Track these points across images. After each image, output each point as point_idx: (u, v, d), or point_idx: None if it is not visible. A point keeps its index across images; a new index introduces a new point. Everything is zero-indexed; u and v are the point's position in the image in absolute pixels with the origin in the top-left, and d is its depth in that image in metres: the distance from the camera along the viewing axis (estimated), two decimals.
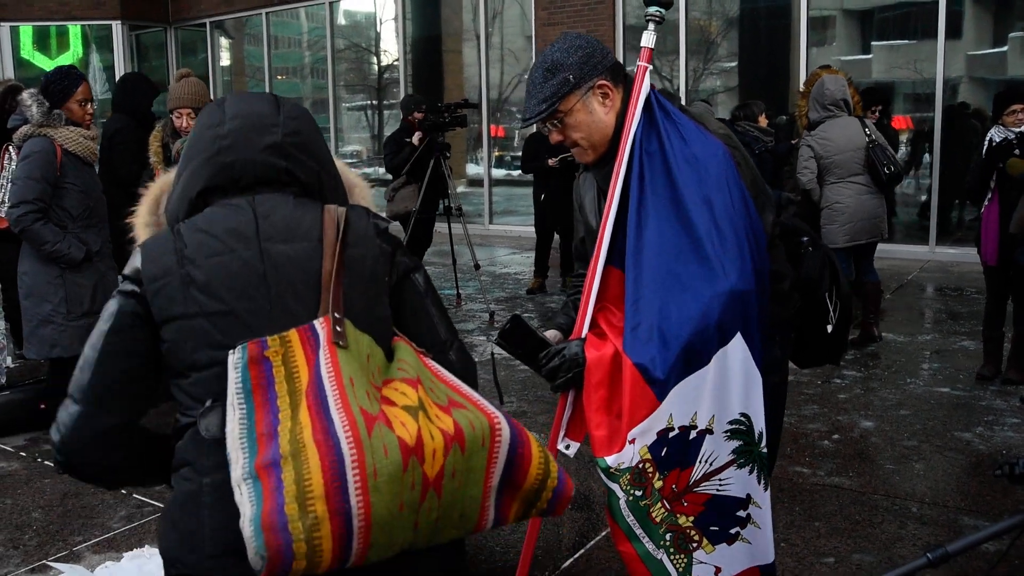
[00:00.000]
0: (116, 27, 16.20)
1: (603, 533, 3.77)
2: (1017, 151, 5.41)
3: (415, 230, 8.06)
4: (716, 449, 2.23)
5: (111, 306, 1.78)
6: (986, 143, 5.61)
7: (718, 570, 2.30)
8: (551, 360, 2.32)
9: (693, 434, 2.21)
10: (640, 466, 2.22)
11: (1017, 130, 5.49)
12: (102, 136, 4.63)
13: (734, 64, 12.52)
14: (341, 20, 15.68)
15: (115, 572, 3.53)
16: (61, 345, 4.34)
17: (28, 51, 16.40)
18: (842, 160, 6.31)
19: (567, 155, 8.29)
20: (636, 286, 2.22)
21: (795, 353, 2.72)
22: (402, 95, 14.44)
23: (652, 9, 2.36)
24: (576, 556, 3.60)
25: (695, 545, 2.29)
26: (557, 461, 1.79)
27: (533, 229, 9.04)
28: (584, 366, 2.27)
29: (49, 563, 3.62)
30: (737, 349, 2.19)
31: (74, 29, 16.53)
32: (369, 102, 16.27)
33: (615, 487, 2.24)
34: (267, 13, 15.83)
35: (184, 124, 4.78)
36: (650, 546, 2.27)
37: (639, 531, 2.27)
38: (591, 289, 2.34)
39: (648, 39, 2.35)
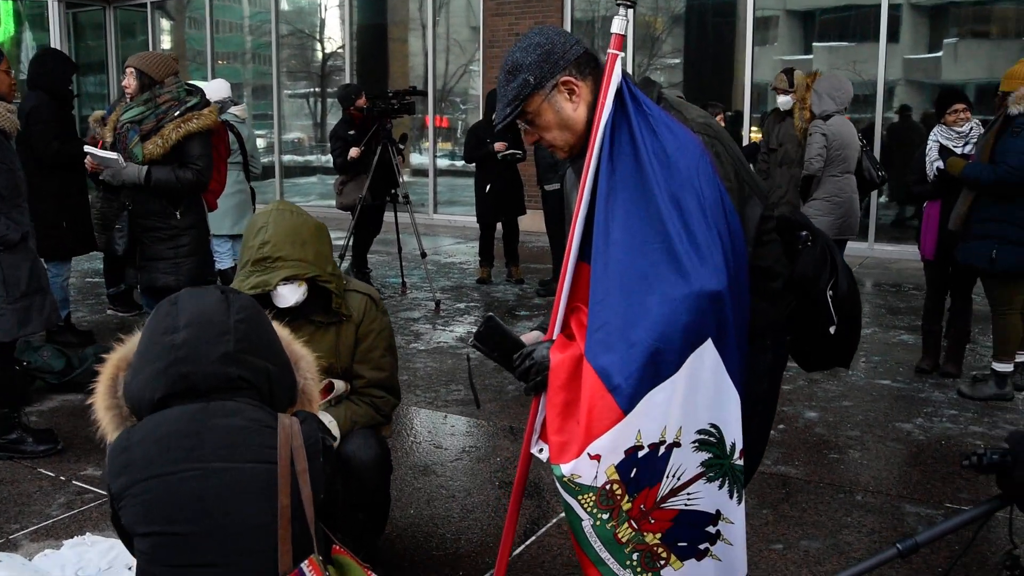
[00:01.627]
0: (52, 4, 15.74)
1: (554, 520, 3.76)
2: (957, 150, 5.53)
3: (363, 217, 7.99)
4: (684, 462, 2.12)
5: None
6: (929, 142, 5.72)
7: None
8: (523, 362, 2.27)
9: (662, 450, 2.09)
10: (607, 487, 2.11)
11: (958, 129, 5.62)
12: (18, 114, 4.45)
13: (679, 61, 12.61)
14: (284, 5, 15.44)
15: (54, 560, 3.42)
16: (2, 329, 4.18)
17: None
18: (846, 155, 6.41)
19: (515, 152, 8.27)
20: (602, 285, 2.11)
21: (799, 356, 2.59)
22: (347, 82, 14.30)
23: None
24: (528, 543, 3.59)
25: (663, 562, 2.19)
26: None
27: (474, 219, 9.01)
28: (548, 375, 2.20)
29: None
30: (708, 355, 2.05)
31: (6, 5, 16.06)
32: (312, 89, 16.06)
33: (574, 504, 2.13)
34: None
35: (125, 82, 4.66)
36: (615, 567, 2.18)
37: (605, 555, 2.17)
38: (563, 288, 2.26)
39: (619, 25, 2.24)
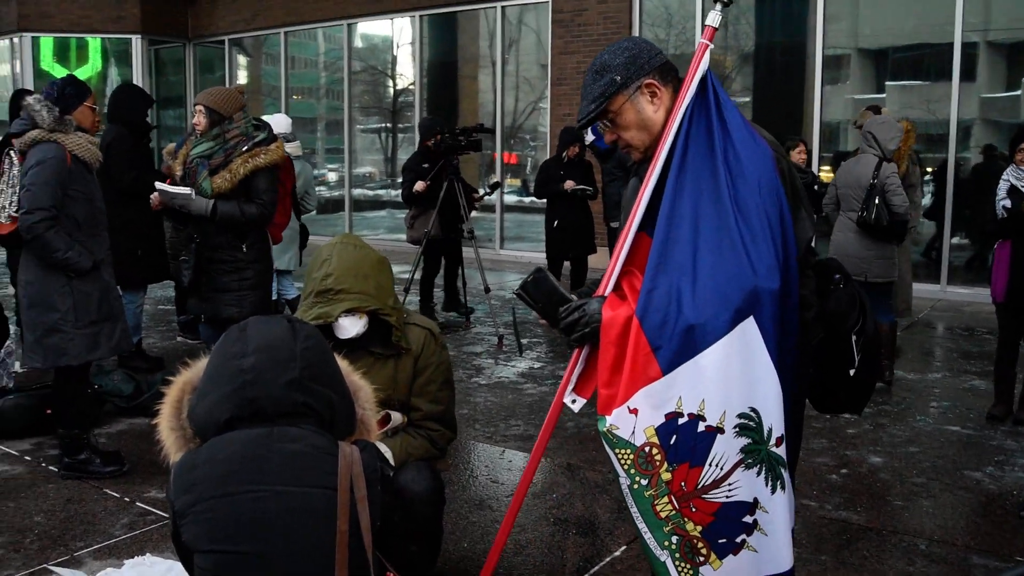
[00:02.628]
0: (135, 41, 16.35)
1: (607, 559, 3.73)
2: None
3: (430, 251, 8.12)
4: (727, 450, 2.17)
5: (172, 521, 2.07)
6: (1001, 182, 5.61)
7: None
8: (571, 314, 2.34)
9: (701, 427, 2.15)
10: (646, 449, 2.19)
11: None
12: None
13: (748, 99, 12.56)
14: (358, 42, 15.79)
15: None
16: (70, 353, 4.31)
17: (48, 62, 16.54)
18: (844, 195, 6.43)
19: (585, 188, 8.33)
20: (661, 251, 2.20)
21: (814, 395, 2.60)
22: (417, 118, 14.53)
23: None
24: None
25: (702, 559, 2.22)
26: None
27: (543, 255, 9.05)
28: (601, 323, 2.26)
29: (49, 567, 3.59)
30: (751, 335, 2.13)
31: (94, 43, 16.69)
32: (384, 124, 16.35)
33: (613, 458, 2.22)
34: (285, 32, 15.96)
35: (196, 120, 4.79)
36: (652, 543, 2.23)
37: (642, 526, 2.23)
38: (620, 251, 2.33)
39: (713, 18, 2.38)
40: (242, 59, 17.49)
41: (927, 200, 10.61)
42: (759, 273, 2.13)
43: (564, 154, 8.54)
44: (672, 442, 2.17)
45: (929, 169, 10.80)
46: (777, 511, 2.22)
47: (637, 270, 2.30)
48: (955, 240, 10.45)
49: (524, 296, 2.43)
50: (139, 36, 16.32)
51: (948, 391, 6.42)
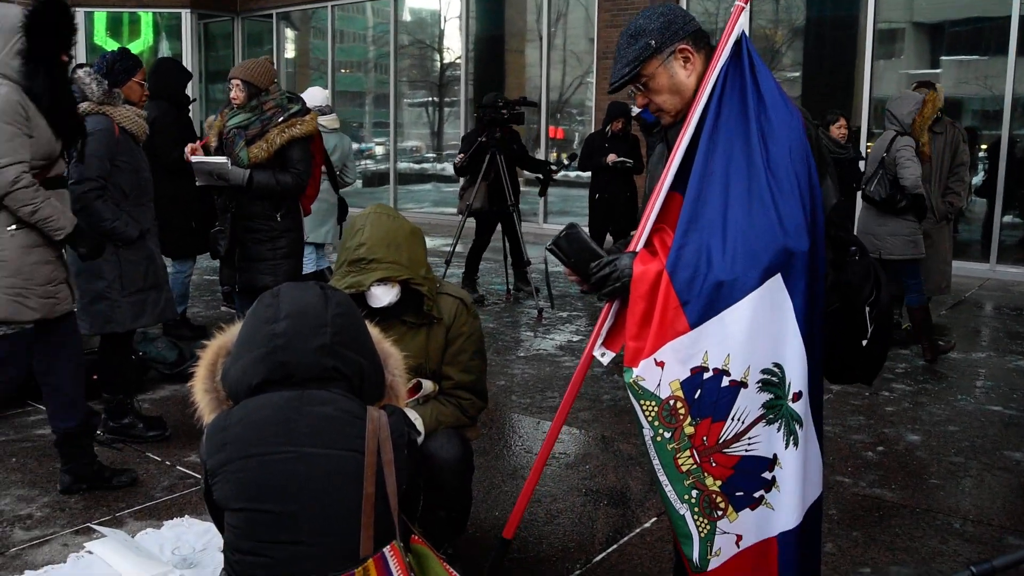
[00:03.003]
0: (185, 16, 16.52)
1: (637, 530, 3.76)
2: None
3: (488, 223, 8.29)
4: (748, 404, 2.20)
5: (203, 479, 2.15)
6: None
7: (739, 538, 2.28)
8: (602, 269, 2.35)
9: (726, 381, 2.19)
10: (671, 402, 2.22)
11: None
12: None
13: (798, 74, 12.36)
14: (406, 16, 15.81)
15: (154, 538, 3.61)
16: (116, 320, 4.41)
17: (101, 37, 16.78)
18: (867, 172, 6.49)
19: (626, 160, 8.29)
20: (693, 209, 2.23)
21: (828, 366, 2.56)
22: (463, 93, 14.53)
23: None
24: (608, 551, 3.59)
25: (720, 512, 2.26)
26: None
27: (585, 229, 9.01)
28: (631, 278, 2.29)
29: (93, 526, 3.70)
30: (777, 292, 2.16)
31: (145, 17, 16.88)
32: (430, 99, 16.37)
33: (638, 409, 2.25)
34: (333, 6, 16.00)
35: (233, 94, 4.86)
36: (672, 496, 2.27)
37: (663, 478, 2.27)
38: (652, 208, 2.36)
39: None
40: (290, 33, 17.59)
41: (978, 179, 10.39)
42: (788, 232, 2.15)
43: (608, 128, 8.50)
44: (696, 396, 2.21)
45: (984, 147, 10.57)
46: (792, 467, 2.24)
47: (668, 227, 2.32)
48: (1006, 219, 10.23)
49: (556, 251, 2.46)
50: (188, 10, 16.46)
51: (993, 371, 6.32)
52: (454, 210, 14.91)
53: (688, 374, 2.21)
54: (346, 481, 1.98)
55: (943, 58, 11.28)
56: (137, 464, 4.38)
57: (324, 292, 2.19)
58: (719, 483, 2.25)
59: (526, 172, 9.31)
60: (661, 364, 2.21)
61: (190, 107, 6.87)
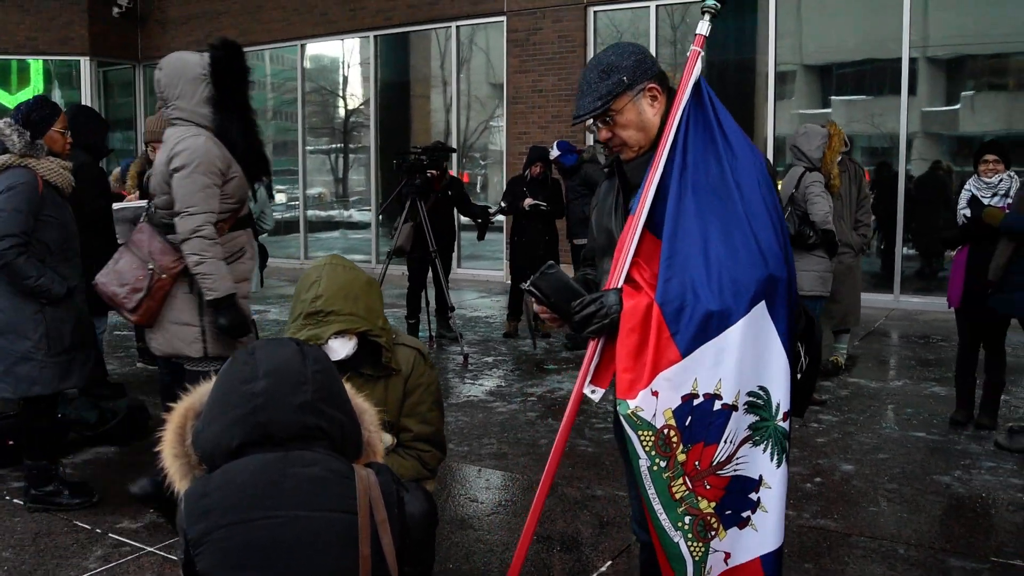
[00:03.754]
0: (84, 63, 16.08)
1: (595, 574, 3.73)
2: (985, 200, 5.54)
3: (415, 266, 8.34)
4: (737, 427, 2.28)
5: (180, 551, 2.04)
6: (963, 191, 5.75)
7: (727, 556, 2.34)
8: (586, 307, 2.36)
9: (718, 405, 2.25)
10: (665, 432, 2.26)
11: (987, 180, 5.63)
12: None
13: None
14: (310, 64, 15.72)
15: None
16: (41, 383, 4.20)
17: None
18: None
19: (540, 203, 8.36)
20: (671, 246, 2.29)
21: None
22: (372, 139, 14.48)
23: (709, 2, 2.49)
24: None
25: (713, 533, 2.32)
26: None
27: (500, 273, 9.05)
28: (620, 313, 2.31)
29: None
30: (760, 317, 2.25)
31: (35, 64, 16.36)
32: (334, 145, 16.29)
33: (635, 440, 2.26)
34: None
35: (158, 157, 4.72)
36: (666, 523, 2.30)
37: (658, 507, 2.29)
38: (628, 245, 2.38)
39: (703, 28, 2.50)
40: None
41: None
42: (768, 261, 2.25)
43: (527, 172, 8.58)
44: (687, 423, 2.27)
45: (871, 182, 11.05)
46: (778, 486, 2.32)
47: (643, 262, 2.37)
48: (906, 251, 10.69)
49: (534, 291, 2.47)
50: (88, 58, 16.04)
51: (910, 398, 6.54)
52: (363, 257, 14.85)
53: (679, 402, 2.26)
54: (339, 544, 1.91)
55: (833, 98, 11.78)
56: (65, 533, 4.16)
57: (300, 348, 2.12)
58: (713, 505, 2.31)
59: (463, 218, 9.29)
60: (656, 394, 2.25)
61: (105, 157, 6.66)
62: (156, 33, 16.70)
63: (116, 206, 4.75)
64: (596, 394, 2.43)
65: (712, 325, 2.22)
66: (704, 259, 2.25)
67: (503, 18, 12.69)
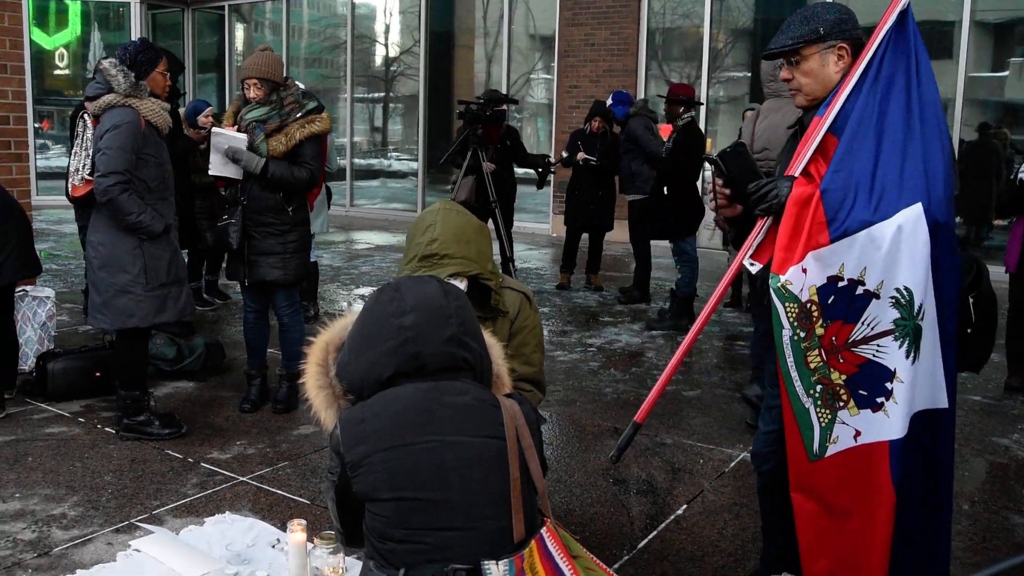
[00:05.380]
0: (134, 5, 16.16)
1: (672, 517, 3.87)
2: None
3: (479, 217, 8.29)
4: (880, 315, 2.45)
5: (332, 473, 2.16)
6: (1018, 166, 5.76)
7: (858, 433, 2.52)
8: (762, 188, 2.61)
9: (860, 290, 2.44)
10: (808, 306, 2.50)
11: None
12: None
13: (746, 74, 12.65)
14: (360, 11, 15.71)
15: (199, 535, 3.59)
16: (138, 315, 4.37)
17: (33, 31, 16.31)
18: None
19: (588, 157, 8.39)
20: (849, 145, 2.49)
21: None
22: (420, 89, 14.50)
23: None
24: (649, 537, 3.70)
25: (842, 404, 2.52)
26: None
27: (545, 226, 9.08)
28: (788, 197, 2.53)
29: (136, 523, 3.68)
30: (917, 224, 2.39)
31: (74, 6, 16.42)
32: (378, 94, 16.34)
33: (781, 311, 2.53)
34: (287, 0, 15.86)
35: (252, 94, 4.80)
36: (799, 389, 2.56)
37: (793, 373, 2.55)
38: (812, 140, 2.58)
39: None
40: (240, 26, 17.34)
41: None
42: (931, 194, 2.42)
43: (587, 126, 8.62)
44: (829, 302, 2.48)
45: None
46: (908, 381, 2.47)
47: (823, 160, 2.55)
48: (956, 220, 10.63)
49: (719, 162, 2.72)
50: (137, 0, 16.12)
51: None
52: (407, 205, 14.96)
53: (824, 281, 2.47)
54: (492, 467, 2.04)
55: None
56: (160, 462, 4.35)
57: (442, 284, 2.24)
58: (844, 377, 2.51)
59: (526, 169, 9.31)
60: (805, 271, 2.49)
61: (180, 99, 6.77)
62: None
63: (215, 130, 4.83)
64: (754, 267, 2.67)
65: (865, 219, 2.42)
66: (873, 164, 2.44)
67: None
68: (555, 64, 12.86)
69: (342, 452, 2.07)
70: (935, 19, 10.62)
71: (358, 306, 3.47)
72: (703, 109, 11.24)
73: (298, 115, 4.80)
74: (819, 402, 2.54)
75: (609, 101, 8.40)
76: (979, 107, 10.96)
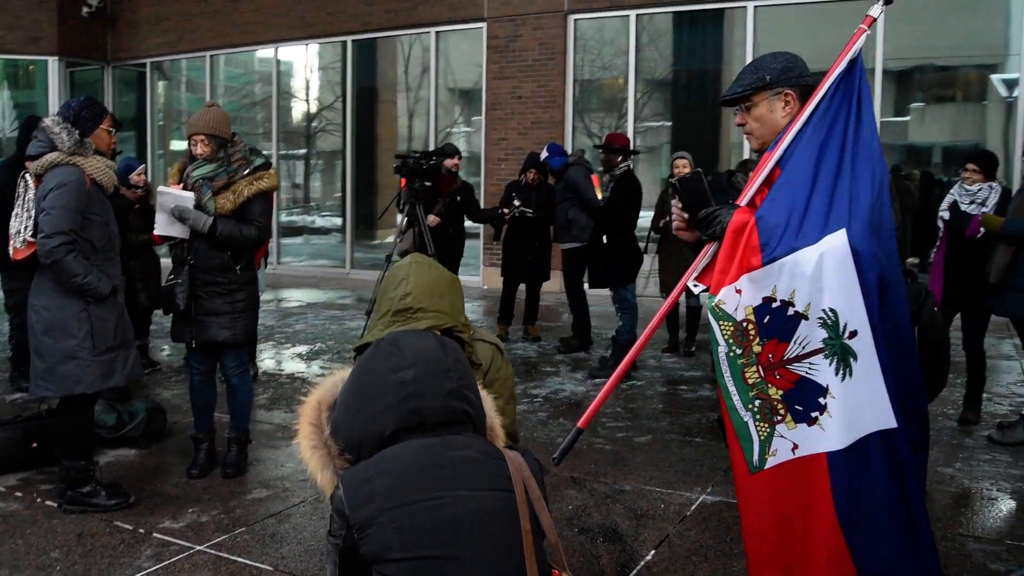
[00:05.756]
0: (52, 63, 15.83)
1: (641, 563, 3.87)
2: (962, 207, 5.81)
3: None
4: (809, 334, 2.58)
5: (335, 536, 2.11)
6: (947, 198, 6.01)
7: (795, 446, 2.62)
8: (711, 215, 2.80)
9: (791, 311, 2.59)
10: (744, 324, 2.66)
11: (968, 188, 5.88)
12: None
13: (667, 123, 12.96)
14: (282, 67, 15.67)
15: None
16: (85, 381, 4.21)
17: None
18: None
19: (525, 209, 8.46)
20: (786, 173, 2.67)
21: None
22: (343, 144, 14.48)
23: None
24: None
25: (779, 418, 2.64)
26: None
27: (476, 278, 9.09)
28: (728, 224, 2.70)
29: None
30: (839, 248, 2.53)
31: None
32: (302, 151, 16.28)
33: (716, 329, 2.70)
34: (211, 56, 15.73)
35: (199, 150, 4.73)
36: (738, 403, 2.69)
37: (732, 388, 2.69)
38: (759, 174, 2.76)
39: (875, 10, 2.77)
40: (161, 83, 17.12)
41: None
42: (853, 225, 2.54)
43: (522, 178, 8.69)
44: (764, 321, 2.63)
45: None
46: (841, 397, 2.57)
47: (768, 190, 2.71)
48: None
49: (678, 188, 2.95)
50: (56, 58, 15.80)
51: None
52: (333, 262, 14.86)
53: (760, 302, 2.63)
54: (502, 521, 2.01)
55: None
56: (108, 535, 4.17)
57: (437, 339, 2.23)
58: (780, 392, 2.64)
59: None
60: (739, 291, 2.66)
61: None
62: (127, 34, 16.50)
63: (161, 189, 4.72)
64: (698, 288, 2.83)
65: (793, 244, 2.57)
66: (807, 196, 2.60)
67: (483, 24, 12.80)
68: (482, 117, 13.00)
69: (347, 513, 2.02)
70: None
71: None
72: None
73: (246, 172, 4.74)
74: (757, 416, 2.67)
75: (544, 153, 8.47)
76: (888, 150, 11.42)
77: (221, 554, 3.97)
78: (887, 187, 2.65)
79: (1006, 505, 4.62)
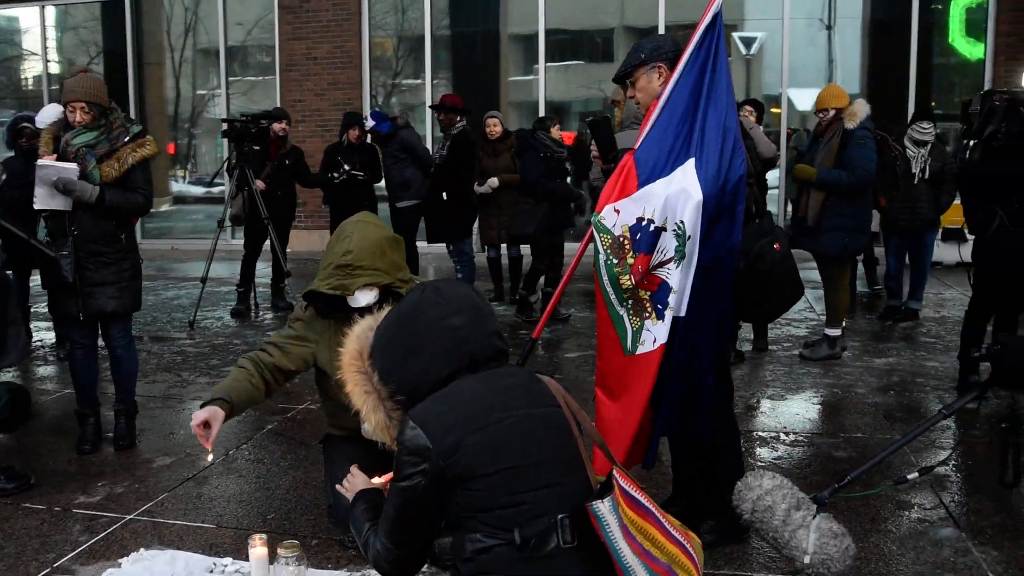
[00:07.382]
0: None
1: None
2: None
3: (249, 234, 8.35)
4: (667, 245, 3.18)
5: (404, 488, 2.28)
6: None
7: (655, 339, 3.24)
8: (610, 156, 3.69)
9: (653, 227, 3.19)
10: (620, 239, 3.26)
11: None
12: None
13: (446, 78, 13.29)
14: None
15: None
16: None
17: None
18: None
19: (356, 172, 8.54)
20: (652, 127, 3.31)
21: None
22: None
23: None
24: None
25: (647, 314, 3.26)
26: None
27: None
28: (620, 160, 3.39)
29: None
30: (685, 171, 3.16)
31: None
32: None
33: (598, 240, 3.34)
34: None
35: (78, 118, 4.54)
36: (615, 300, 3.33)
37: (608, 288, 3.34)
38: (647, 122, 3.35)
39: None
40: None
41: None
42: (703, 179, 3.15)
43: (344, 138, 8.72)
44: (637, 237, 3.23)
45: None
46: (676, 285, 3.20)
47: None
48: None
49: (592, 124, 3.85)
50: None
51: None
52: None
53: (634, 221, 3.24)
54: (561, 430, 2.32)
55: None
56: (25, 517, 4.02)
57: (468, 285, 2.53)
58: (649, 294, 3.25)
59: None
60: (617, 211, 3.28)
61: None
62: None
63: (41, 163, 4.50)
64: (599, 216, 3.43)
65: (656, 172, 3.22)
66: (674, 137, 3.24)
67: None
68: (276, 78, 12.76)
69: (430, 446, 2.22)
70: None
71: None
72: (429, 113, 11.55)
73: (126, 139, 4.63)
74: (631, 312, 3.29)
75: (370, 122, 8.50)
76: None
77: (157, 520, 3.97)
78: (734, 131, 3.21)
79: (831, 407, 5.49)
